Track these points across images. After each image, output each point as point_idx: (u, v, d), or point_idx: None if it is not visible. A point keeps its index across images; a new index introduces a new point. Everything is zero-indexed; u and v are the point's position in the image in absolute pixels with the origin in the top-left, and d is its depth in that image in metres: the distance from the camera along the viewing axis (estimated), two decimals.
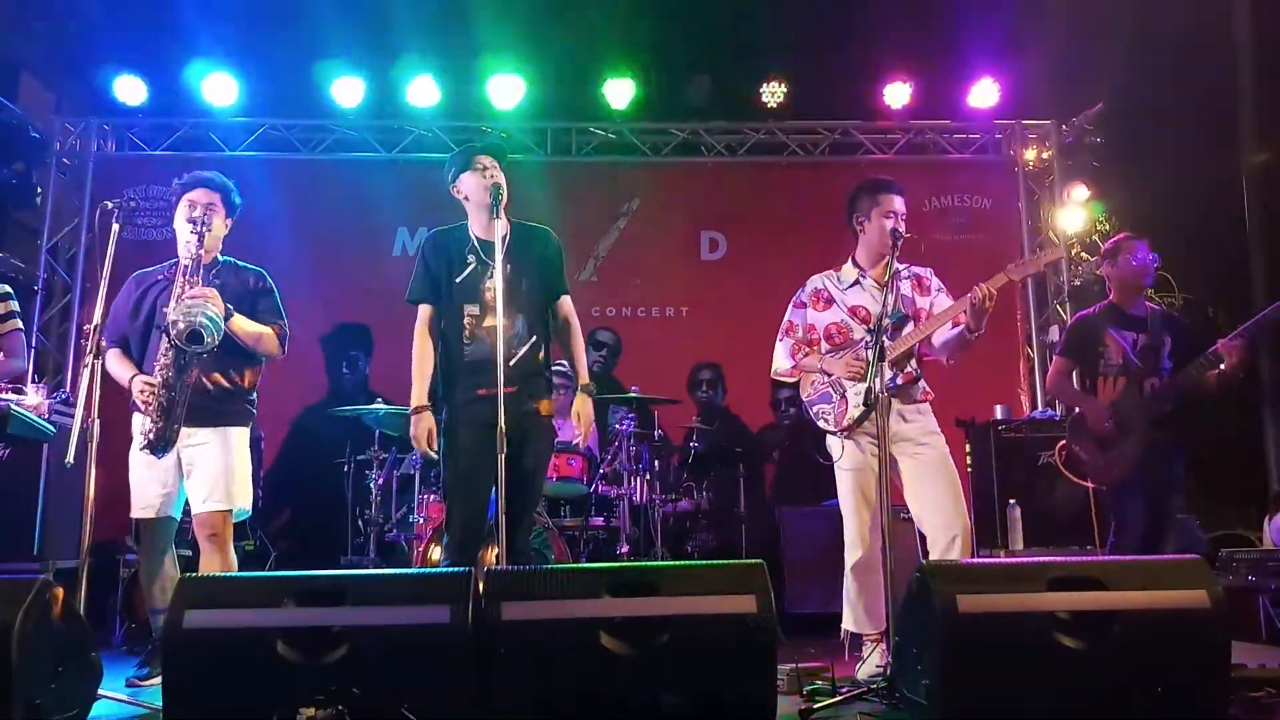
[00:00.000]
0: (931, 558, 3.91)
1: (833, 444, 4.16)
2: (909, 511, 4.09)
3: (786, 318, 4.33)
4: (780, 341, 4.31)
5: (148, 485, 3.98)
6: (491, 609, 2.77)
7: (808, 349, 4.23)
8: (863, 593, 4.02)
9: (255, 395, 4.19)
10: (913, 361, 4.09)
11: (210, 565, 3.95)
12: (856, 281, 4.20)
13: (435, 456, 3.81)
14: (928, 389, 4.17)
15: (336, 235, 7.41)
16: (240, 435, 4.08)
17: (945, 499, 3.93)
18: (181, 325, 3.64)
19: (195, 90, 7.40)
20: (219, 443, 3.99)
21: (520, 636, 2.76)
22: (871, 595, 4.00)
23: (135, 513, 4.03)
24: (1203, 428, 4.47)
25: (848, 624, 4.10)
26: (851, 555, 4.04)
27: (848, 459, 4.08)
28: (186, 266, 3.89)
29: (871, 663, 3.91)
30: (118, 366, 4.01)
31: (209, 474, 3.96)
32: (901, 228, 4.05)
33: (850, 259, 4.28)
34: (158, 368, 3.79)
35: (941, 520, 3.91)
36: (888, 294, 3.91)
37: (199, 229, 3.91)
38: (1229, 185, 7.50)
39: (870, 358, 3.76)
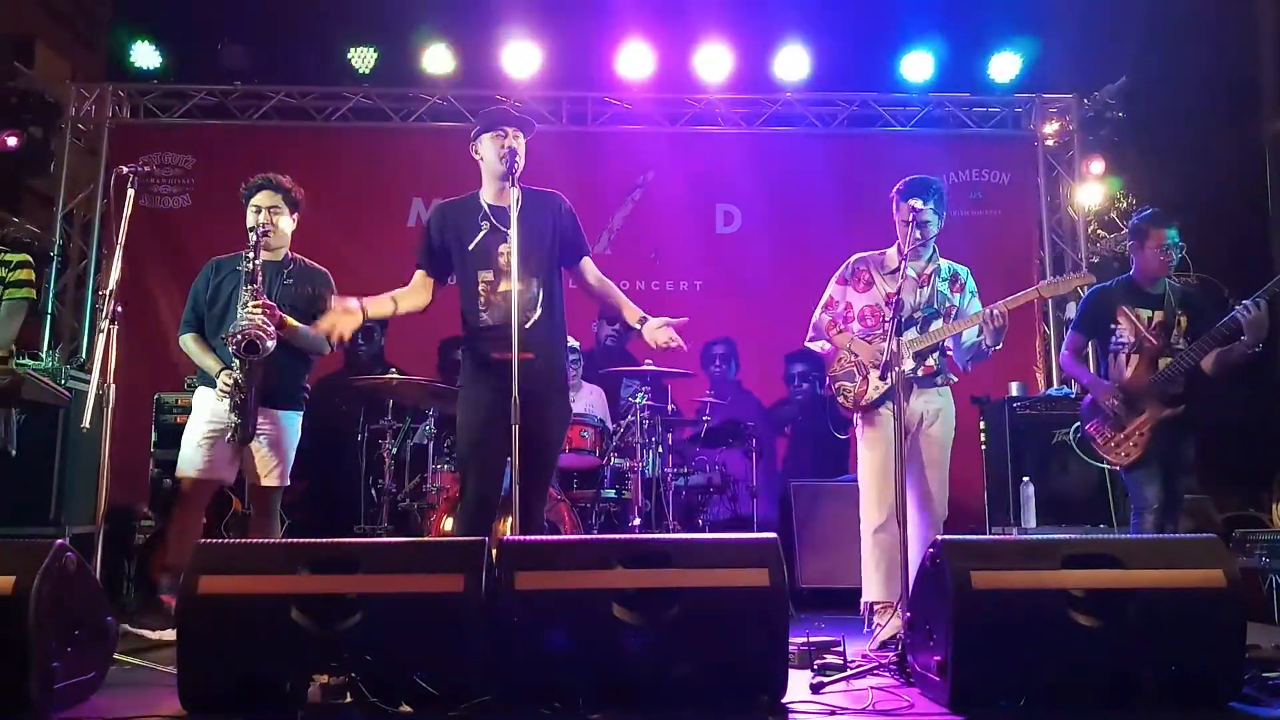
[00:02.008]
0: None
1: (857, 419, 4.35)
2: None
3: (828, 291, 4.47)
4: (819, 314, 4.47)
5: (207, 449, 4.18)
6: (505, 579, 2.78)
7: (843, 325, 4.39)
8: (883, 560, 4.13)
9: (308, 384, 4.51)
10: (934, 356, 4.24)
11: (265, 530, 4.32)
12: (897, 269, 4.29)
13: (332, 338, 3.82)
14: (950, 375, 4.34)
15: (350, 205, 7.37)
16: (299, 418, 4.42)
17: (926, 487, 4.15)
18: (239, 337, 3.96)
19: (210, 58, 7.37)
20: (287, 425, 4.34)
21: (533, 606, 2.77)
22: (891, 564, 4.07)
23: (186, 472, 4.20)
24: (1215, 408, 4.39)
25: (868, 594, 4.21)
26: (871, 524, 4.19)
27: (869, 434, 4.27)
28: (249, 273, 4.12)
29: (891, 627, 3.96)
30: (202, 355, 4.27)
31: (278, 452, 4.29)
32: (921, 234, 4.16)
33: (895, 245, 4.35)
34: (235, 367, 4.07)
35: (916, 507, 4.09)
36: (934, 283, 4.16)
37: (260, 237, 4.19)
38: (1251, 162, 7.41)
39: (889, 329, 3.79)
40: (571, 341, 6.16)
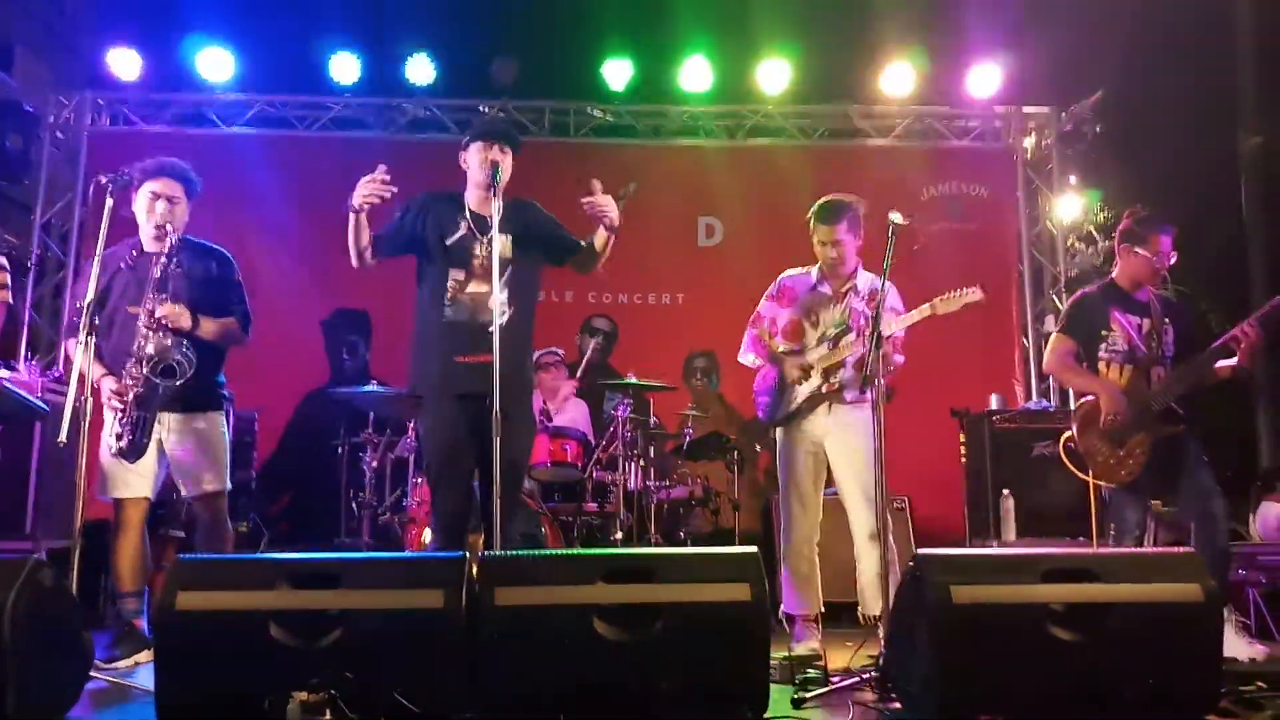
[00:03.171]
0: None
1: (776, 434, 4.40)
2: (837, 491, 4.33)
3: (758, 308, 4.55)
4: (748, 330, 4.54)
5: (125, 467, 3.97)
6: (485, 594, 2.77)
7: (769, 340, 4.48)
8: (806, 575, 4.24)
9: (224, 381, 4.29)
10: (839, 374, 4.26)
11: (217, 541, 4.15)
12: (816, 286, 4.40)
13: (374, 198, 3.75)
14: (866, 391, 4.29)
15: (334, 216, 7.30)
16: (221, 419, 4.22)
17: (861, 494, 4.12)
18: (156, 360, 3.75)
19: (191, 66, 7.34)
20: (207, 428, 4.13)
21: (513, 622, 2.76)
22: (802, 581, 4.23)
23: (114, 493, 4.04)
24: (1198, 420, 4.33)
25: (786, 606, 4.28)
26: (786, 541, 4.29)
27: (783, 450, 4.33)
28: (157, 279, 3.88)
29: (806, 645, 4.12)
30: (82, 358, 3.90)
31: (205, 458, 4.09)
32: (837, 253, 4.27)
33: (818, 263, 4.44)
34: (129, 381, 3.83)
35: (859, 515, 4.13)
36: (849, 300, 4.26)
37: (167, 233, 3.95)
38: (1227, 177, 7.49)
39: (869, 340, 3.78)
40: (555, 347, 6.21)
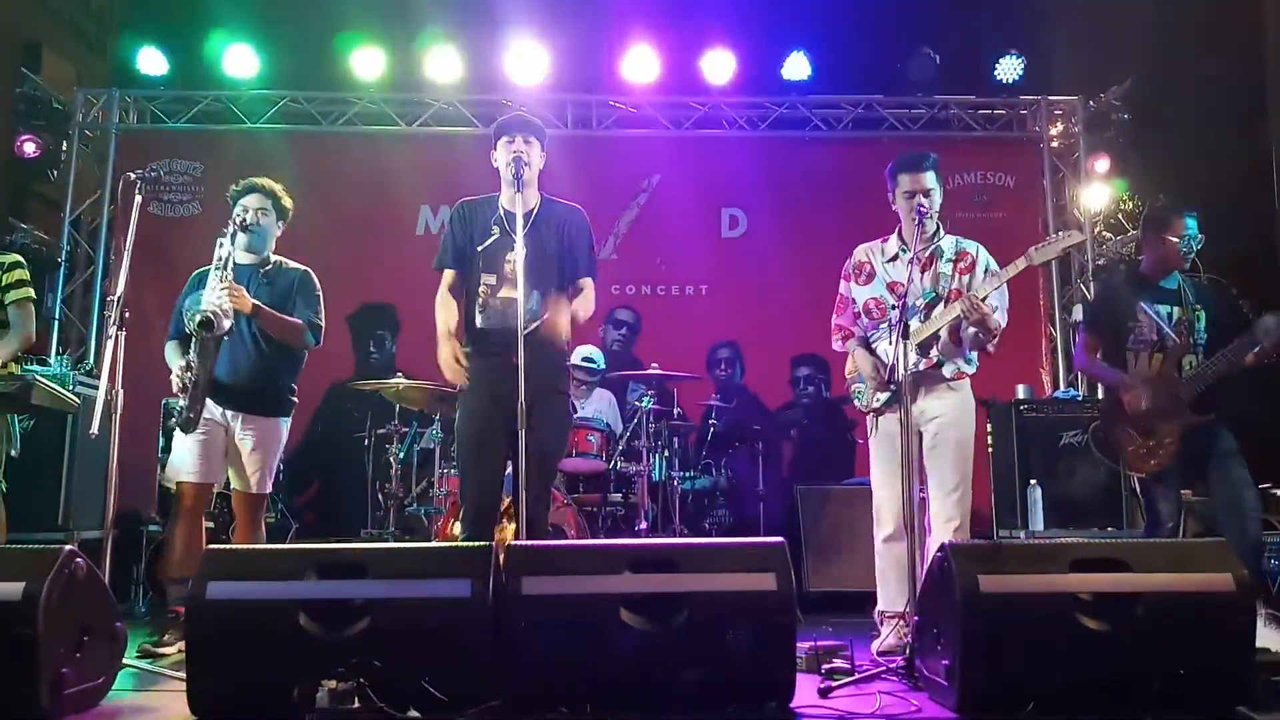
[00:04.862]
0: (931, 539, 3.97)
1: (870, 422, 4.23)
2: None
3: (840, 291, 4.33)
4: (836, 317, 4.33)
5: (195, 452, 4.14)
6: (512, 583, 2.78)
7: (851, 327, 4.27)
8: (889, 570, 4.04)
9: (295, 387, 4.46)
10: (935, 349, 4.03)
11: (250, 537, 4.28)
12: (896, 255, 4.16)
13: (465, 380, 3.75)
14: (962, 367, 4.11)
15: (360, 212, 7.39)
16: (286, 425, 4.39)
17: (947, 484, 3.98)
18: (193, 313, 3.93)
19: (216, 63, 7.40)
20: (273, 432, 4.30)
21: (540, 611, 2.77)
22: (899, 574, 3.94)
23: (175, 476, 4.19)
24: (1231, 409, 4.25)
25: (880, 603, 4.10)
26: (879, 533, 4.11)
27: (877, 440, 4.16)
28: (221, 260, 4.10)
29: (891, 638, 3.88)
30: (172, 358, 4.20)
31: (261, 459, 4.25)
32: (928, 202, 4.00)
33: (897, 231, 4.23)
34: (191, 350, 4.04)
35: (939, 505, 3.98)
36: (913, 270, 3.92)
37: (237, 227, 4.20)
38: (1258, 165, 7.38)
39: (895, 332, 3.71)
40: (594, 353, 6.20)
